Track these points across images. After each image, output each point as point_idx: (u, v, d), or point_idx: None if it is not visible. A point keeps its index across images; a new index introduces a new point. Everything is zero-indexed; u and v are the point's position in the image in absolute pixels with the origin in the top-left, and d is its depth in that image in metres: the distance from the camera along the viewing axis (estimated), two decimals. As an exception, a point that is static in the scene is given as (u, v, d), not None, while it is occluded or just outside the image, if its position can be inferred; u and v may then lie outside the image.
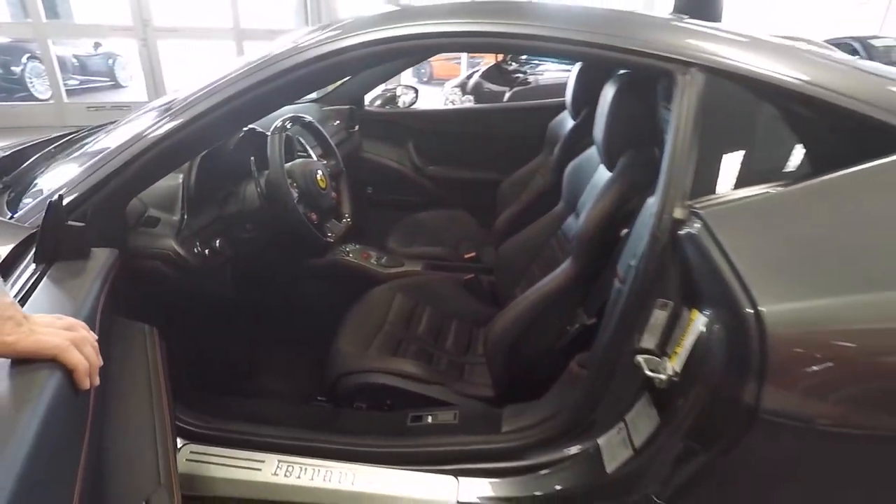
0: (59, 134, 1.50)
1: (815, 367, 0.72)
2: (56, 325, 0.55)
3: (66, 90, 6.01)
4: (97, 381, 0.56)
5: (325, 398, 1.36)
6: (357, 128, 2.24)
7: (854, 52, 6.85)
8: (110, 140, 1.01)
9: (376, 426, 1.16)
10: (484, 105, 3.32)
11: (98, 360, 0.57)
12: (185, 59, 6.59)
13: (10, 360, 0.50)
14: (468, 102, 4.84)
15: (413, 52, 1.01)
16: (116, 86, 8.69)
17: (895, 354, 0.71)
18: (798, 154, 0.87)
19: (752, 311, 0.70)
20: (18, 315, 0.51)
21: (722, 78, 0.86)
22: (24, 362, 0.50)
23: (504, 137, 2.26)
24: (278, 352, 1.62)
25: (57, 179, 1.00)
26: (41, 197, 0.94)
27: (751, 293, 0.71)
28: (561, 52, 0.99)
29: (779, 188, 0.83)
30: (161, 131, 0.93)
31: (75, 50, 7.80)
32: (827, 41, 7.35)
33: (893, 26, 8.87)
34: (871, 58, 6.77)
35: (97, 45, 8.34)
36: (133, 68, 8.17)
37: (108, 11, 6.90)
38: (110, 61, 8.57)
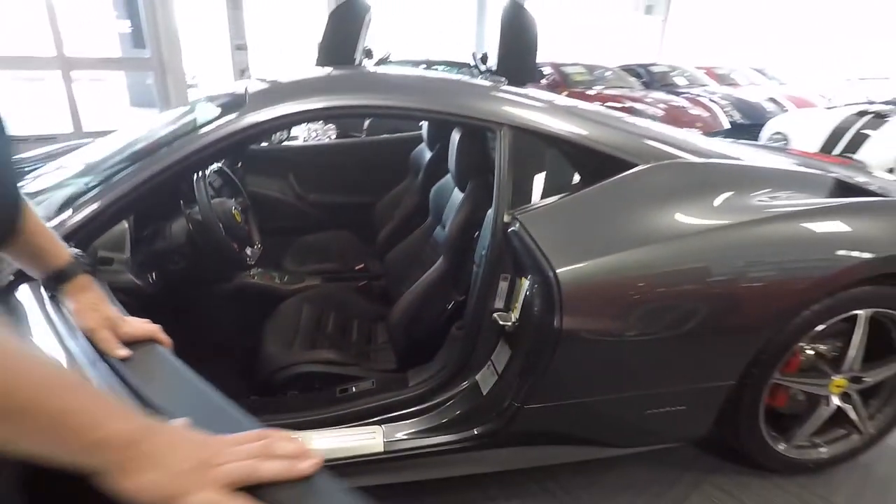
0: None
1: (587, 303, 1.24)
2: (141, 321, 0.82)
3: None
4: None
5: (257, 396, 1.62)
6: (241, 164, 2.47)
7: (639, 75, 8.56)
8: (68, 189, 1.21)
9: (311, 402, 1.47)
10: (354, 139, 3.70)
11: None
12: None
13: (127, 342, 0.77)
14: (331, 131, 5.14)
15: (297, 123, 1.40)
16: None
17: (628, 291, 1.26)
18: (572, 177, 1.42)
19: (552, 273, 1.20)
20: (123, 316, 0.79)
21: (522, 132, 1.36)
22: (136, 342, 0.78)
23: (372, 166, 2.66)
24: (208, 365, 1.81)
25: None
26: None
27: (550, 262, 1.21)
28: (414, 118, 1.43)
29: (563, 198, 1.36)
30: (119, 191, 1.17)
31: None
32: (621, 67, 8.93)
33: (665, 55, 11.27)
34: (652, 80, 8.52)
35: None
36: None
37: None
38: None
